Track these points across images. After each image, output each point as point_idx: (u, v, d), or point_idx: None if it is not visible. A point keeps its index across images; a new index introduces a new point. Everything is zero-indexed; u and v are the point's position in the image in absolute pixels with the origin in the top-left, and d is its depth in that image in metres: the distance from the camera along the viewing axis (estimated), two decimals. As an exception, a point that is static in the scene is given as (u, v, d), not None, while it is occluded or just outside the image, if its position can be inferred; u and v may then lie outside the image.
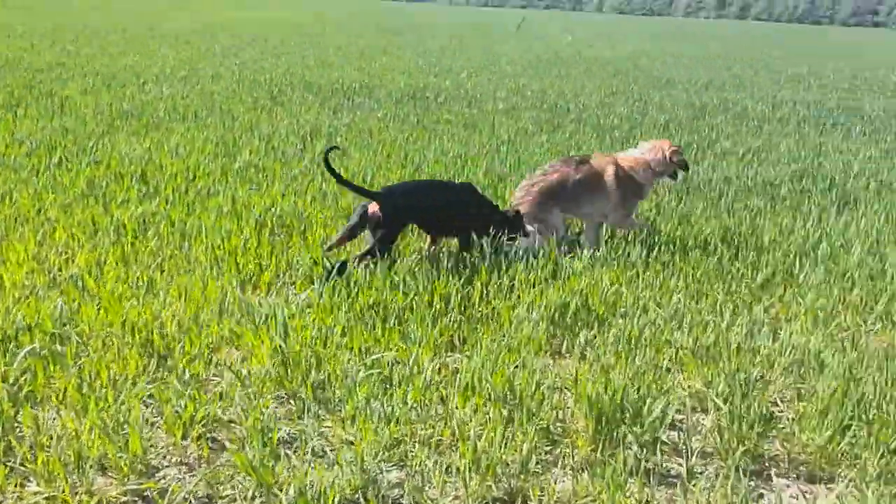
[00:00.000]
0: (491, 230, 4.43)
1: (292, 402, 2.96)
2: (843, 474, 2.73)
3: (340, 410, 2.88)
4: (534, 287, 4.03)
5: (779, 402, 3.16)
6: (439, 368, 3.24)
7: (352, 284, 3.85)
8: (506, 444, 2.68)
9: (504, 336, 3.48)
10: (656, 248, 4.66)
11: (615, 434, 2.81)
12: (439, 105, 9.96)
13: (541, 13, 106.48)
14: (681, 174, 5.06)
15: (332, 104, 9.49)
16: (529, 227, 4.72)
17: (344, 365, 3.14)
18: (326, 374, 3.07)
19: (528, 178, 5.04)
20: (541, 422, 2.82)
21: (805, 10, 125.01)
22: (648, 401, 2.93)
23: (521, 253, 4.51)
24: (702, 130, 8.78)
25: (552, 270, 4.26)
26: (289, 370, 3.07)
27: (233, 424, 2.77)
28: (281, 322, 3.30)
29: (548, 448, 2.77)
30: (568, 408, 2.99)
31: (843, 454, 2.79)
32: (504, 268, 4.26)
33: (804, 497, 2.63)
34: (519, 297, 3.93)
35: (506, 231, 4.53)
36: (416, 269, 4.17)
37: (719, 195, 5.97)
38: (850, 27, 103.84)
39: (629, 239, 4.83)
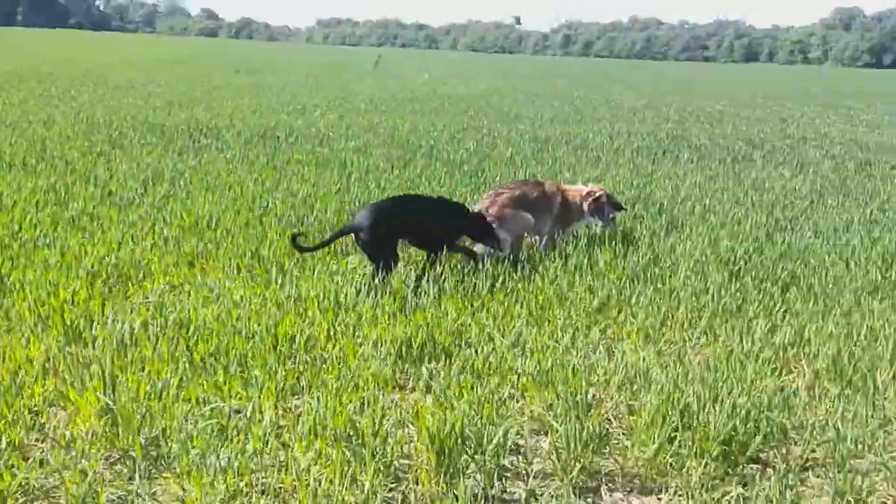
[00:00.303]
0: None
1: (123, 462, 2.81)
2: (671, 483, 2.89)
3: (175, 466, 2.75)
4: (380, 323, 4.05)
5: (612, 418, 3.31)
6: (283, 413, 3.18)
7: (191, 331, 3.73)
8: (347, 485, 2.66)
9: (350, 374, 3.46)
10: (501, 277, 4.81)
11: (458, 465, 2.85)
12: (290, 144, 9.87)
13: (397, 51, 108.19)
14: (610, 217, 5.76)
15: (177, 146, 9.19)
16: (501, 234, 5.23)
17: (180, 418, 3.02)
18: (160, 429, 2.94)
19: (489, 193, 5.62)
20: (383, 459, 2.81)
21: (642, 47, 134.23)
22: (490, 429, 3.00)
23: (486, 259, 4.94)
24: (545, 162, 9.18)
25: (400, 305, 4.30)
26: (119, 428, 2.91)
27: (54, 491, 2.59)
28: (108, 378, 3.13)
29: (392, 485, 2.77)
30: (411, 443, 3.01)
31: (671, 464, 2.96)
32: (351, 305, 4.26)
33: (635, 509, 2.77)
34: (366, 334, 3.93)
35: (483, 237, 5.12)
36: (261, 310, 4.10)
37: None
38: (682, 62, 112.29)
39: (474, 272, 4.97)
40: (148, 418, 2.98)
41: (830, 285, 4.79)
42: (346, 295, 4.37)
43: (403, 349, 3.76)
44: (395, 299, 4.36)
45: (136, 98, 15.30)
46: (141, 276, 4.59)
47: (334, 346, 3.81)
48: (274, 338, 3.72)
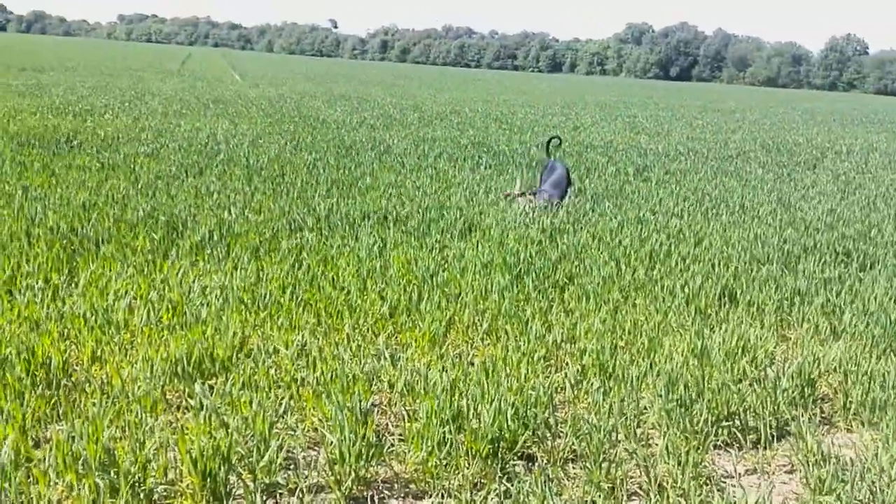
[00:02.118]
0: None
1: None
2: (442, 486, 2.95)
3: None
4: (154, 340, 3.83)
5: (391, 425, 3.34)
6: (35, 445, 2.91)
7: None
8: (96, 519, 2.48)
9: (114, 398, 3.24)
10: (291, 287, 4.72)
11: (225, 487, 2.74)
12: (72, 148, 9.14)
13: (209, 50, 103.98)
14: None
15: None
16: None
17: None
18: None
19: None
20: (142, 487, 2.65)
21: (456, 54, 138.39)
22: (261, 447, 2.92)
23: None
24: (348, 168, 9.15)
25: (180, 319, 4.10)
26: None
27: None
28: None
29: (151, 514, 2.61)
30: (177, 467, 2.85)
31: (443, 466, 3.02)
32: (123, 322, 4.00)
33: (404, 515, 2.80)
34: (138, 352, 3.70)
35: None
36: (16, 332, 3.74)
37: (353, 228, 6.24)
38: (494, 69, 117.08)
39: (268, 277, 4.86)
40: None
41: (601, 284, 5.14)
42: (118, 311, 4.10)
43: (179, 367, 3.58)
44: (173, 313, 4.15)
45: None
46: None
47: (100, 368, 3.56)
48: (26, 362, 3.40)
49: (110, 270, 4.81)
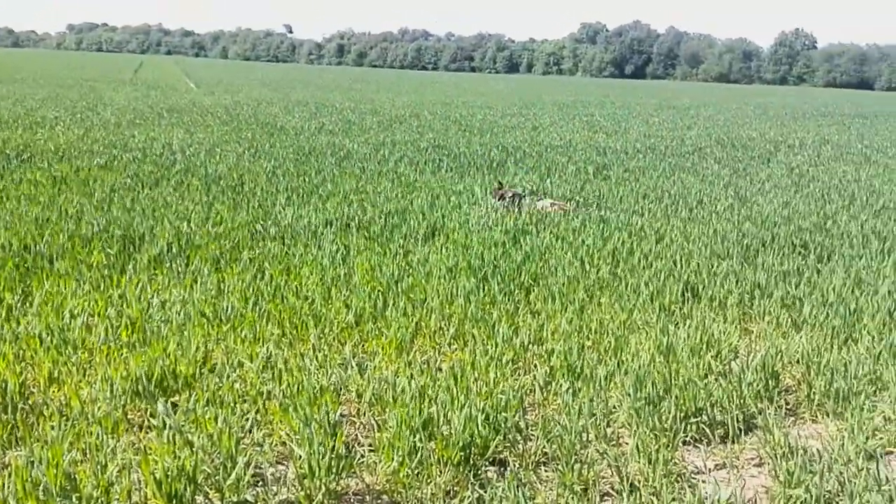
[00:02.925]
0: None
1: None
2: (414, 496, 2.92)
3: None
4: (113, 359, 3.73)
5: (359, 436, 3.29)
6: None
7: None
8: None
9: (73, 420, 3.14)
10: (253, 298, 4.65)
11: (192, 507, 2.68)
12: (23, 162, 8.90)
13: (162, 58, 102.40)
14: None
15: None
16: None
17: None
18: None
19: None
20: (105, 513, 2.57)
21: (414, 57, 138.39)
22: (228, 464, 2.86)
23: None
24: (309, 175, 9.07)
25: (140, 336, 4.00)
26: None
27: None
28: None
29: (116, 539, 2.54)
30: (141, 489, 2.78)
31: (416, 476, 2.99)
32: (80, 341, 3.89)
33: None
34: (95, 370, 3.60)
35: None
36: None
37: (316, 236, 6.18)
38: (451, 72, 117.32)
39: (229, 289, 4.78)
40: None
41: (566, 284, 5.15)
42: (75, 330, 3.99)
43: (140, 385, 3.49)
44: (133, 330, 4.05)
45: None
46: None
47: (58, 390, 3.46)
48: (-20, 388, 3.28)
49: (66, 288, 4.69)
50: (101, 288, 4.75)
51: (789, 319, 4.71)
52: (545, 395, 3.67)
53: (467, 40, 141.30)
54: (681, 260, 5.80)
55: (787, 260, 6.03)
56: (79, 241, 5.60)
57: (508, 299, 4.88)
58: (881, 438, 3.35)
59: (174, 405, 3.38)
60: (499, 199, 7.74)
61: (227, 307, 4.48)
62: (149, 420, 3.27)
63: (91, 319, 4.22)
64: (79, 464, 2.85)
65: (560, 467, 3.04)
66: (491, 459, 3.13)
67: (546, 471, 3.10)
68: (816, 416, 3.64)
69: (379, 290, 4.90)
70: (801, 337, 4.40)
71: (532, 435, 3.29)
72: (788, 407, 3.72)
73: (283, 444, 3.18)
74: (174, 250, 5.55)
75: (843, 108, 36.15)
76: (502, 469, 3.10)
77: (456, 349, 4.22)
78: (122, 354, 3.82)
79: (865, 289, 5.32)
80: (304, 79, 48.90)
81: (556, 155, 12.21)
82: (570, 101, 32.79)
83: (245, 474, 2.84)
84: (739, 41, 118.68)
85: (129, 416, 3.30)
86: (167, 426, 3.15)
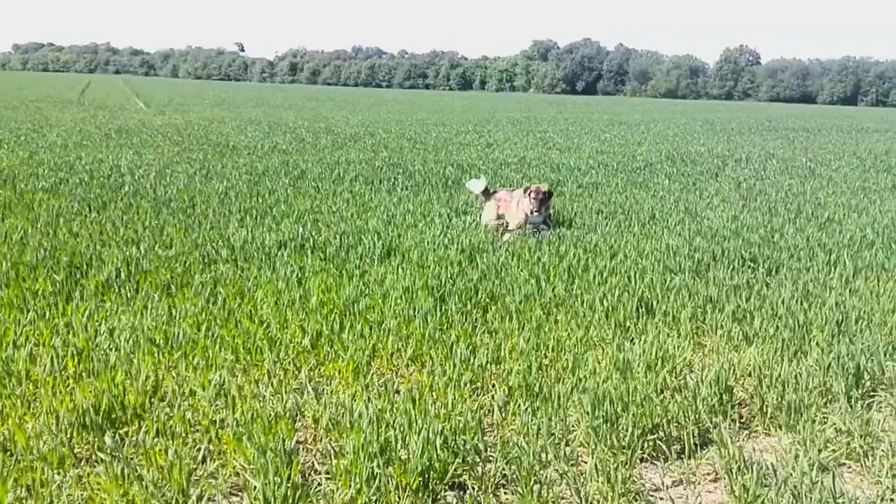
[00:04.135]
0: None
1: None
2: (373, 523, 2.87)
3: None
4: (59, 390, 3.61)
5: (316, 464, 3.24)
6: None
7: None
8: None
9: (16, 456, 3.03)
10: (205, 323, 4.56)
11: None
12: (-38, 187, 8.63)
13: (110, 78, 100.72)
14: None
15: None
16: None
17: None
18: None
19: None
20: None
21: (367, 75, 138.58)
22: (179, 498, 2.78)
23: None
24: (262, 195, 8.96)
25: (88, 366, 3.88)
26: None
27: None
28: None
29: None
30: (88, 527, 2.68)
31: (374, 503, 2.94)
32: (25, 372, 3.76)
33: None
34: (40, 403, 3.48)
35: None
36: None
37: (270, 258, 6.09)
38: (406, 89, 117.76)
39: (181, 315, 4.67)
40: None
41: (523, 302, 5.16)
42: (19, 361, 3.85)
43: (87, 418, 3.38)
44: (79, 360, 3.93)
45: None
46: None
47: (1, 424, 3.33)
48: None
49: (9, 317, 4.54)
50: (47, 316, 4.61)
51: (741, 333, 4.79)
52: (504, 415, 3.66)
53: (421, 58, 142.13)
54: (635, 276, 5.86)
55: (736, 274, 6.14)
56: (23, 269, 5.43)
57: (466, 319, 4.87)
58: (833, 451, 3.41)
59: (122, 438, 3.28)
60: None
61: (179, 333, 4.39)
62: (96, 454, 3.16)
63: (36, 349, 4.09)
64: (23, 501, 2.75)
65: (519, 489, 3.03)
66: (450, 483, 3.10)
67: (505, 493, 3.08)
68: (769, 430, 3.69)
69: (335, 312, 4.84)
70: (752, 350, 4.47)
71: (491, 457, 3.27)
72: (742, 420, 3.77)
73: (238, 474, 3.11)
74: (122, 276, 5.42)
75: (788, 122, 37.19)
76: (462, 493, 3.07)
77: (414, 371, 4.18)
78: (68, 386, 3.71)
79: (813, 301, 5.44)
80: (257, 97, 48.52)
81: (511, 172, 12.29)
82: (523, 117, 33.11)
83: (198, 507, 2.76)
84: (686, 58, 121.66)
85: (75, 451, 3.19)
86: (115, 460, 3.06)
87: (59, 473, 3.00)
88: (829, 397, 3.91)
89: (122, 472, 2.95)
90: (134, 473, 2.93)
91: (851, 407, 3.81)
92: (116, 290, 5.14)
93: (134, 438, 3.25)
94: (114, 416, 3.45)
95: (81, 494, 2.85)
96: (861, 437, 3.46)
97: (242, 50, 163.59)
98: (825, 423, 3.62)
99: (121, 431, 3.36)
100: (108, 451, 3.11)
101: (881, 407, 3.91)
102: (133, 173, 10.39)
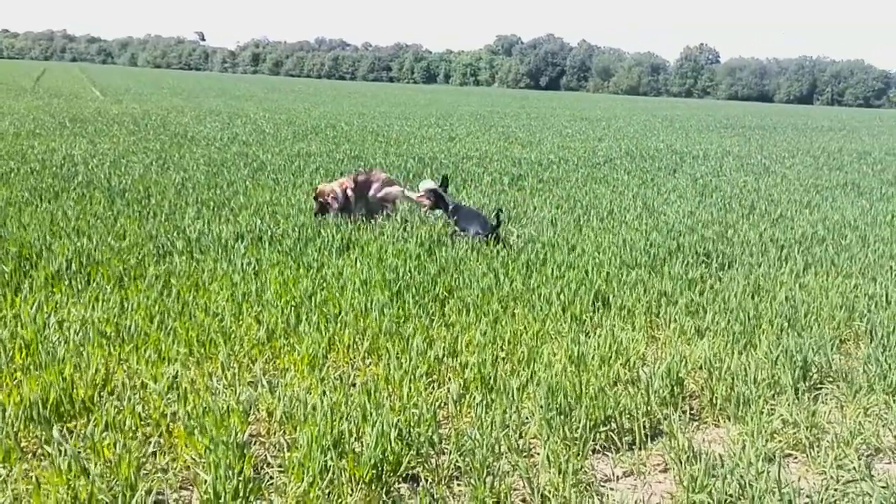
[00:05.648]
0: None
1: None
2: (325, 516, 2.86)
3: None
4: (6, 383, 3.53)
5: (268, 457, 3.21)
6: None
7: None
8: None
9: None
10: (158, 316, 4.49)
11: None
12: None
13: (66, 65, 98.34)
14: None
15: None
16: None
17: None
18: None
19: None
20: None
21: (331, 67, 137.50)
22: (127, 492, 2.74)
23: None
24: (220, 187, 8.85)
25: (36, 358, 3.80)
26: None
27: None
28: None
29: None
30: (32, 523, 2.63)
31: (326, 496, 2.93)
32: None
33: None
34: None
35: None
36: None
37: (227, 250, 6.02)
38: (369, 82, 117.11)
39: (133, 307, 4.60)
40: None
41: (481, 296, 5.18)
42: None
43: (34, 411, 3.31)
44: (27, 352, 3.85)
45: None
46: None
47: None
48: None
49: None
50: (-7, 308, 4.50)
51: (693, 326, 4.87)
52: (459, 408, 3.67)
53: (385, 51, 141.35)
54: (592, 270, 5.92)
55: (691, 268, 6.23)
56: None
57: (423, 312, 4.87)
58: (780, 441, 3.49)
59: (70, 431, 3.22)
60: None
61: (131, 326, 4.32)
62: (43, 448, 3.10)
63: (-19, 342, 3.99)
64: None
65: (473, 481, 3.04)
66: (403, 476, 3.11)
67: (459, 485, 3.10)
68: (719, 421, 3.77)
69: (292, 305, 4.81)
70: (704, 343, 4.55)
71: (445, 449, 3.28)
72: (692, 412, 3.84)
73: (189, 468, 3.08)
74: (73, 267, 5.31)
75: (745, 121, 37.83)
76: (415, 485, 3.08)
77: (370, 364, 4.18)
78: (15, 379, 3.63)
79: (764, 295, 5.56)
80: (218, 87, 47.85)
81: (472, 166, 12.31)
82: (486, 111, 33.17)
83: (145, 502, 2.72)
84: (647, 55, 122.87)
85: (22, 445, 3.12)
86: (62, 454, 3.00)
87: (4, 467, 2.94)
88: (777, 389, 4.00)
89: (69, 465, 2.90)
90: (80, 467, 2.88)
91: (798, 399, 3.90)
92: (67, 282, 5.04)
93: (83, 432, 3.19)
94: (62, 409, 3.39)
95: (27, 489, 2.80)
96: (807, 428, 3.55)
97: (203, 39, 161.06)
98: (772, 414, 3.71)
99: (69, 425, 3.31)
100: (56, 445, 3.05)
101: (827, 399, 4.01)
102: (87, 163, 10.18)
